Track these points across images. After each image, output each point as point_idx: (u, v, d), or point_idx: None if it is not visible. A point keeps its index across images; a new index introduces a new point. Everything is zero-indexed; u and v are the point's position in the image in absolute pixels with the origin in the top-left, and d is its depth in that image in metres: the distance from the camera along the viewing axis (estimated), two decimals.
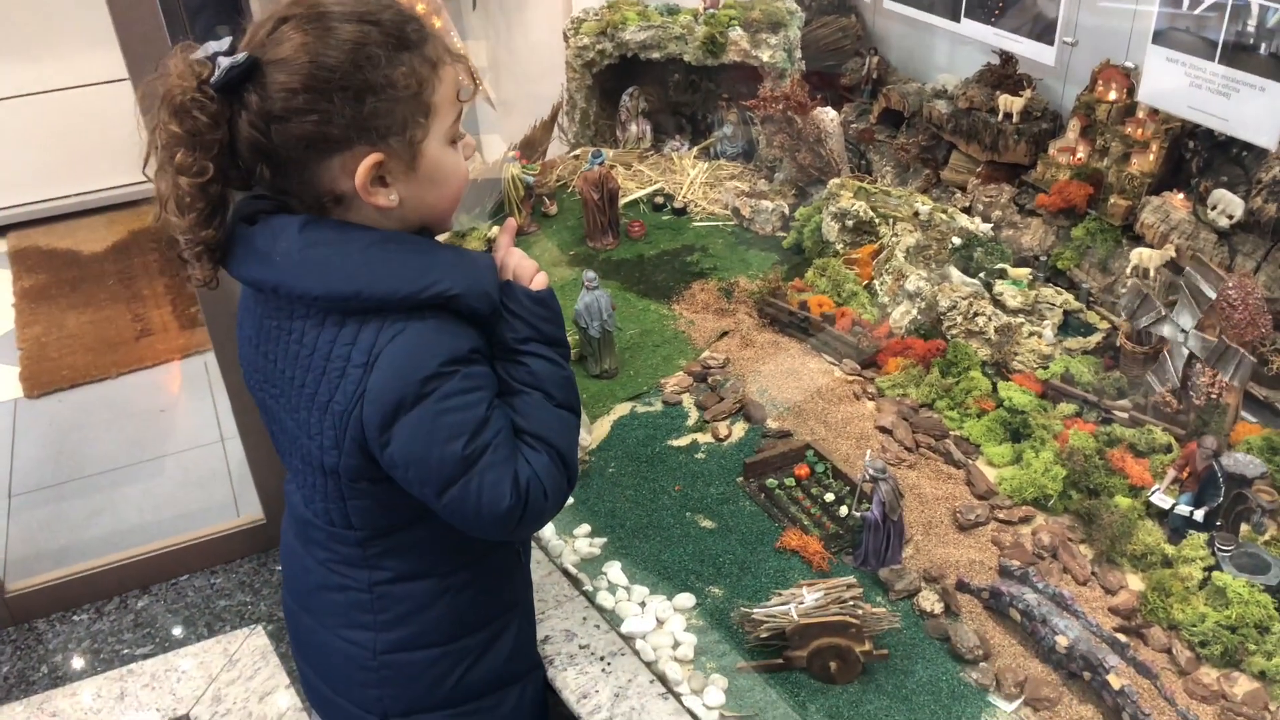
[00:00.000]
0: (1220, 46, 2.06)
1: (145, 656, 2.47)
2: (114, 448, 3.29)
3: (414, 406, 1.11)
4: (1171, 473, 1.84)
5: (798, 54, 3.09)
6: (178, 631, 2.53)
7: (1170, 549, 1.75)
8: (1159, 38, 2.20)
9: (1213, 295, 1.93)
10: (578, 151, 3.28)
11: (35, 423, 3.44)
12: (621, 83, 3.29)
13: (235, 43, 1.10)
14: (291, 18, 1.09)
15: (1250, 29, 2.02)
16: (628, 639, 1.64)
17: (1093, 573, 1.74)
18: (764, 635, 1.59)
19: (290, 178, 1.13)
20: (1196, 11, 2.10)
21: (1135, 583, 1.72)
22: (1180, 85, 2.17)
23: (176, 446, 3.27)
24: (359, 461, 1.17)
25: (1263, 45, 2.00)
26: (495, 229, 2.86)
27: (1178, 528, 1.78)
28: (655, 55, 3.10)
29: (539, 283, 1.26)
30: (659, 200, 3.04)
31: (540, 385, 1.22)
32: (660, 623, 1.66)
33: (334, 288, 1.12)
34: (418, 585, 1.29)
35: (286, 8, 1.11)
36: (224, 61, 1.07)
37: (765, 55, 3.01)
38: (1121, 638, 1.58)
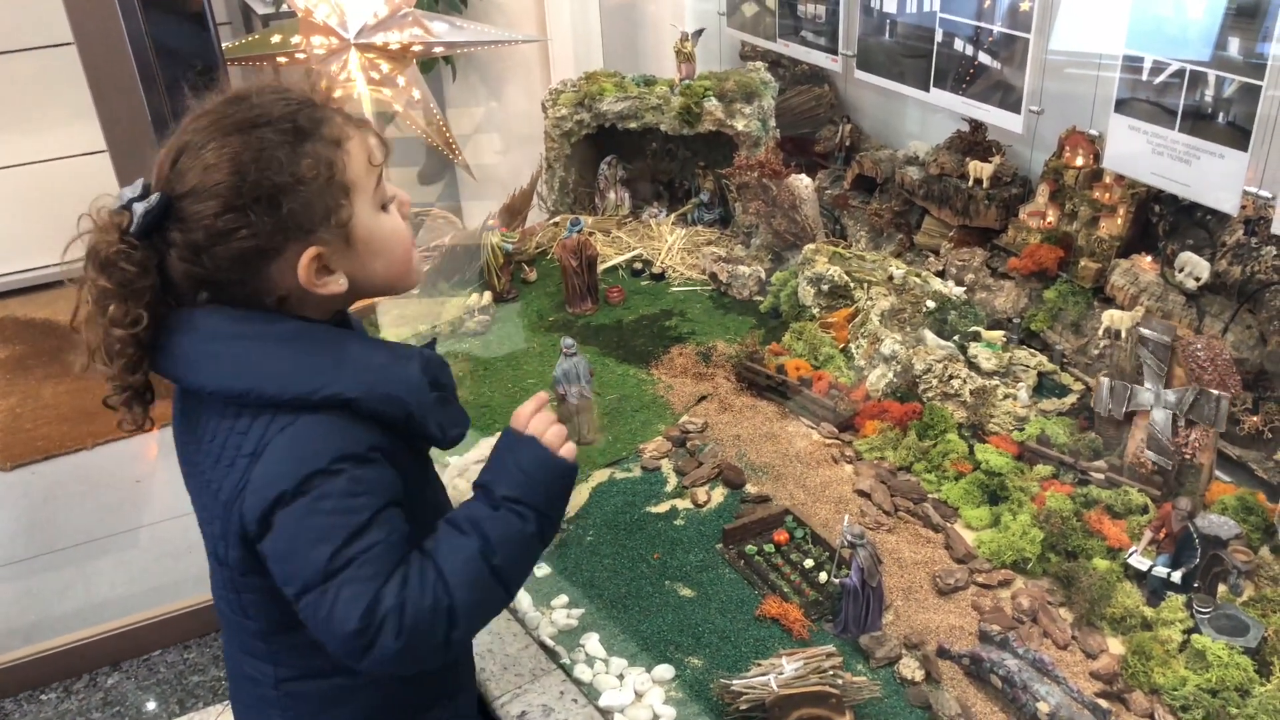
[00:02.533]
0: (1180, 114, 2.12)
1: None
2: (88, 520, 3.23)
3: (290, 502, 1.06)
4: (1148, 534, 1.84)
5: (772, 122, 3.15)
6: (149, 708, 2.47)
7: (1149, 611, 1.74)
8: (1121, 106, 2.26)
9: (1168, 340, 1.96)
10: (557, 219, 3.32)
11: (8, 495, 3.39)
12: (600, 151, 3.34)
13: (148, 182, 1.11)
14: (188, 146, 1.10)
15: (1208, 98, 2.07)
16: (606, 713, 1.62)
17: (1073, 636, 1.73)
18: (744, 707, 1.57)
19: (234, 294, 1.13)
20: (1156, 80, 2.16)
21: (1116, 646, 1.72)
22: (1143, 151, 2.23)
23: (152, 518, 3.22)
24: (243, 554, 1.13)
25: (1221, 114, 2.05)
26: (475, 296, 2.87)
27: (1156, 589, 1.78)
28: (632, 125, 3.16)
29: (567, 451, 1.21)
30: (637, 266, 3.07)
31: (486, 538, 1.13)
32: (639, 695, 1.64)
33: (225, 384, 1.11)
34: (325, 683, 1.23)
35: (180, 136, 1.11)
36: (139, 208, 1.08)
37: (740, 124, 3.07)
38: (1103, 704, 1.57)
